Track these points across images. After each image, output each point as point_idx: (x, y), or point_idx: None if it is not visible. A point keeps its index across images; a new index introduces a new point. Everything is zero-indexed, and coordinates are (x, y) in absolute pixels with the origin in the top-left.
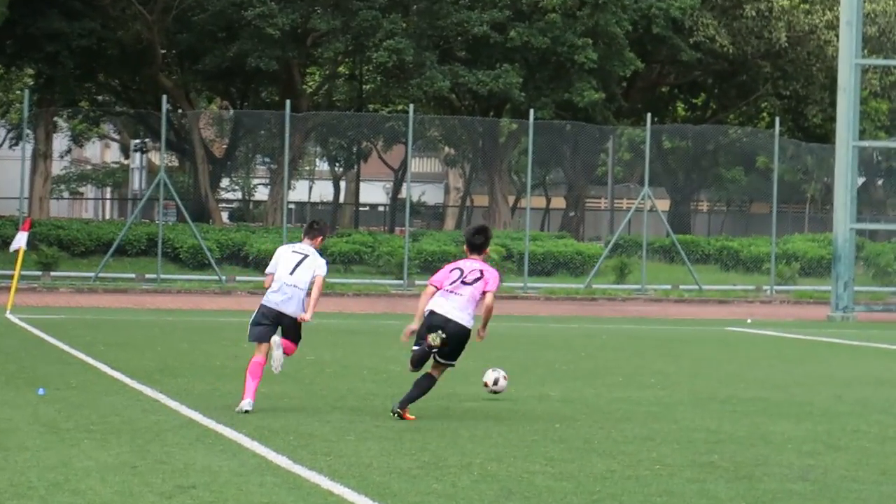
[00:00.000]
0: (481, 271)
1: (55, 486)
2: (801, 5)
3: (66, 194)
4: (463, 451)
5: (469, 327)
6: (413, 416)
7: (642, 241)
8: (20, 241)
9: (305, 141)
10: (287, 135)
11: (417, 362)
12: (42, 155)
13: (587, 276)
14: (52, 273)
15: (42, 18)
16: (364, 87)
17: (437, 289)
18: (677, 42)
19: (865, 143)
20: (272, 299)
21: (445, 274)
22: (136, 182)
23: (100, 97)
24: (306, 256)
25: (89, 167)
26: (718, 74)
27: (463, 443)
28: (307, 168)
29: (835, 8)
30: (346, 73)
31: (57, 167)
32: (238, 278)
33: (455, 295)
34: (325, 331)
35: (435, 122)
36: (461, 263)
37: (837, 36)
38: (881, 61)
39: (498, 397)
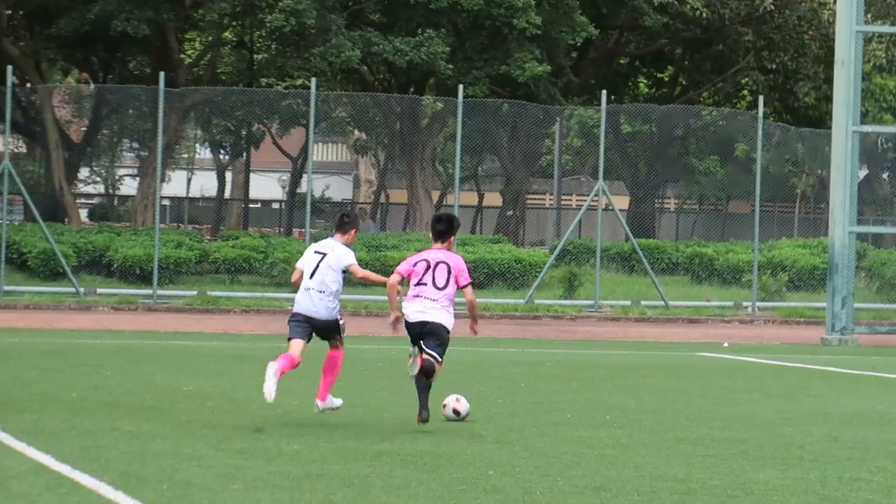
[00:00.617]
0: (447, 265)
1: None
2: None
3: None
4: None
5: (450, 326)
6: None
7: (595, 246)
8: None
9: (183, 122)
10: (161, 115)
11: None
12: None
13: (528, 290)
14: None
15: None
16: (256, 57)
17: (403, 277)
18: (639, 4)
19: (868, 129)
20: (300, 303)
21: (410, 266)
22: None
23: None
24: (324, 255)
25: None
26: (689, 43)
27: (375, 494)
28: (185, 156)
29: None
30: (234, 39)
31: None
32: (100, 291)
33: (429, 300)
34: (206, 356)
35: (342, 101)
36: (427, 255)
37: None
38: (888, 28)
39: (418, 434)
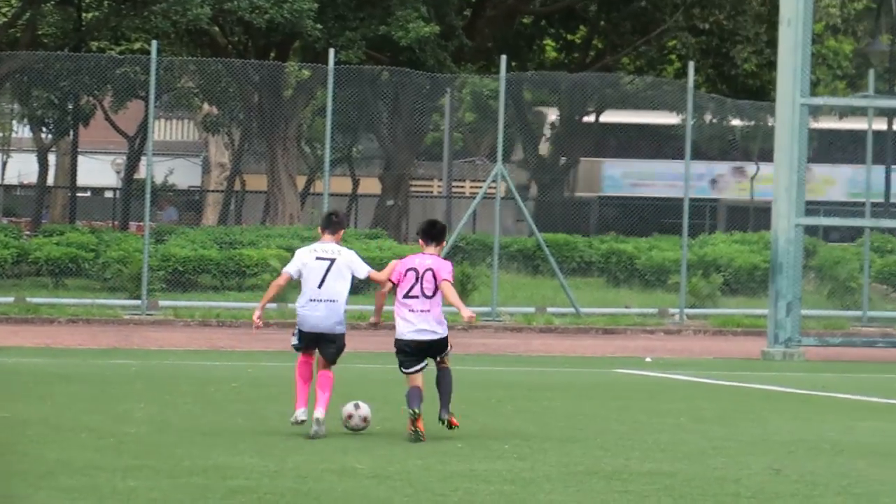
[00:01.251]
0: (433, 271)
1: None
2: None
3: None
4: None
5: (445, 334)
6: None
7: (493, 242)
8: None
9: None
10: None
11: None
12: None
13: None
14: None
15: None
16: (84, 15)
17: (394, 283)
18: None
19: (819, 101)
20: (305, 319)
21: (400, 275)
22: None
23: None
24: (333, 260)
25: None
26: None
27: None
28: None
29: None
30: None
31: None
32: None
33: (420, 313)
34: (25, 374)
35: (189, 68)
36: (413, 262)
37: None
38: None
39: (280, 469)
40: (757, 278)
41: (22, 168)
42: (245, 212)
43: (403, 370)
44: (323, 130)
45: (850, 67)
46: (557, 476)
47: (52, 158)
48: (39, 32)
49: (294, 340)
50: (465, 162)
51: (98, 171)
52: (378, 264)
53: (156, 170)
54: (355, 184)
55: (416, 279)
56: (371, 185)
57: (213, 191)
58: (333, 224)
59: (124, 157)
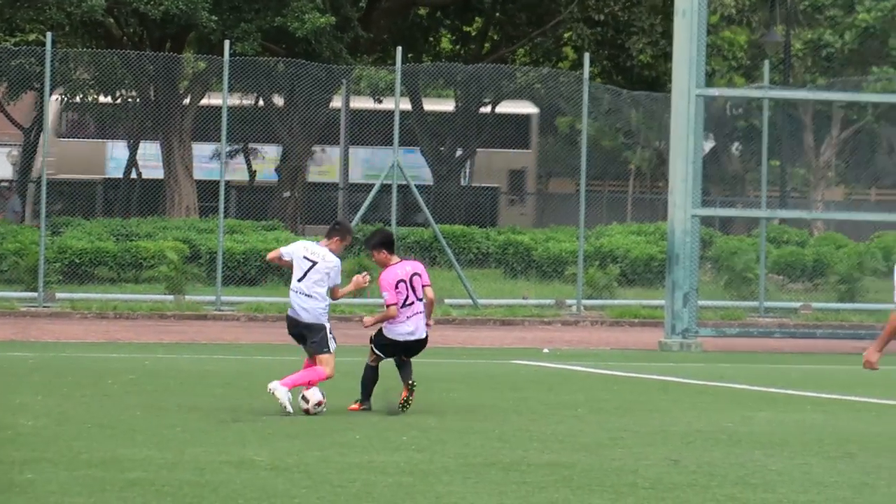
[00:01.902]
0: (419, 274)
1: None
2: None
3: None
4: None
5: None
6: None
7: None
8: None
9: None
10: None
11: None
12: None
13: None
14: None
15: None
16: None
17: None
18: None
19: (715, 92)
20: (291, 305)
21: (395, 294)
22: None
23: None
24: (314, 264)
25: None
26: None
27: None
28: None
29: None
30: None
31: None
32: None
33: (416, 315)
34: None
35: (84, 59)
36: (400, 273)
37: None
38: None
39: (178, 461)
40: (654, 269)
41: None
42: (141, 201)
43: (383, 355)
44: (219, 122)
45: (745, 58)
46: (456, 467)
47: None
48: None
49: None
50: None
51: None
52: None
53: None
54: (252, 175)
55: (408, 288)
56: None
57: (109, 182)
58: (331, 231)
59: (19, 149)
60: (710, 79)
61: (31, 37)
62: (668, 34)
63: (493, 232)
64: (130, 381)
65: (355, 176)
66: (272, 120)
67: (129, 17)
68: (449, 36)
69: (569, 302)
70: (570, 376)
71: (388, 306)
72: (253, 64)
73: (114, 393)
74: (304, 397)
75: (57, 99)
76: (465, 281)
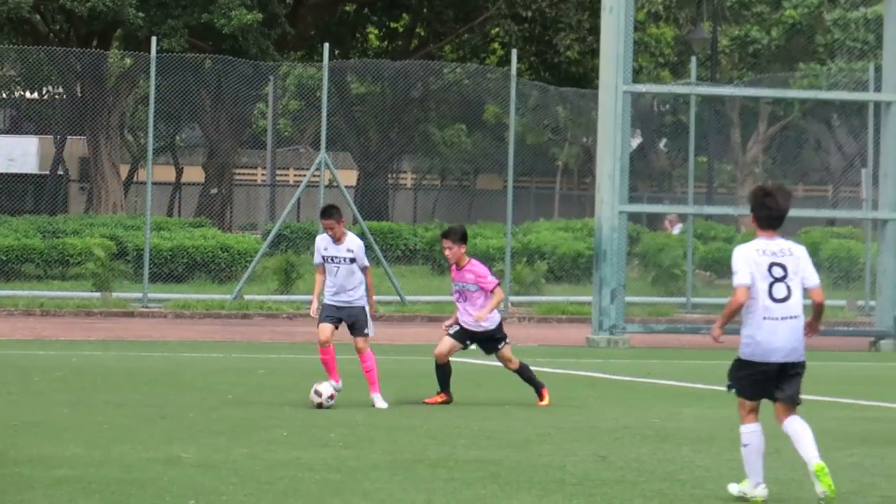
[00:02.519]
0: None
1: None
2: None
3: None
4: None
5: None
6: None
7: (317, 230)
8: None
9: None
10: None
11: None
12: None
13: (237, 283)
14: None
15: None
16: None
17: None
18: None
19: (642, 88)
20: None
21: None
22: None
23: None
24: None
25: None
26: None
27: None
28: None
29: None
30: None
31: None
32: None
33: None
34: None
35: (10, 56)
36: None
37: None
38: None
39: (105, 459)
40: (581, 265)
41: None
42: (71, 199)
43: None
44: (146, 119)
45: (672, 55)
46: (384, 464)
47: None
48: None
49: None
50: (288, 150)
51: None
52: (202, 254)
53: None
54: (179, 172)
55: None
56: (194, 174)
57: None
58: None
59: None
60: (637, 75)
61: None
62: (595, 30)
63: (421, 228)
64: (57, 379)
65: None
66: (200, 116)
67: (56, 14)
68: (376, 32)
69: None
70: (498, 373)
71: (495, 289)
72: (180, 60)
73: (41, 390)
74: (317, 391)
75: None
76: (392, 278)
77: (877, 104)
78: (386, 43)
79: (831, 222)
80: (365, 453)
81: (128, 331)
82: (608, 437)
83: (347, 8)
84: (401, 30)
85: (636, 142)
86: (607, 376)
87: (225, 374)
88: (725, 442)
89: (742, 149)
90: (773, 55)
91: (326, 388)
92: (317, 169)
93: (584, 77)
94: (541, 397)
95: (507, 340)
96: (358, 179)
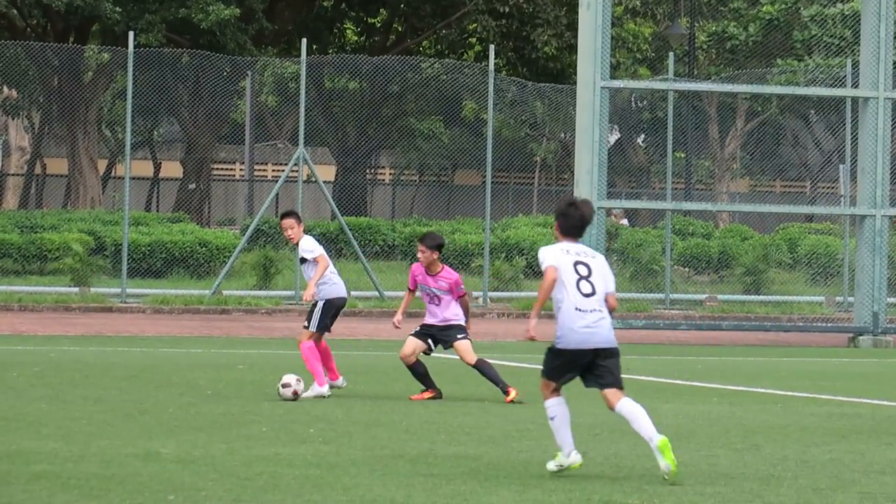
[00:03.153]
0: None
1: None
2: None
3: None
4: None
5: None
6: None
7: None
8: None
9: None
10: None
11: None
12: None
13: (215, 279)
14: None
15: None
16: None
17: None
18: None
19: (620, 84)
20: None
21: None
22: None
23: None
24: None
25: None
26: None
27: None
28: None
29: None
30: None
31: None
32: None
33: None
34: None
35: None
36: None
37: None
38: None
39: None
40: None
41: None
42: (46, 196)
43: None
44: (123, 114)
45: (650, 50)
46: (363, 460)
47: None
48: None
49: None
50: (266, 145)
51: None
52: (180, 249)
53: None
54: (157, 167)
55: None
56: (172, 169)
57: (12, 174)
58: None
59: None
60: (614, 71)
61: None
62: (572, 26)
63: (399, 224)
64: (35, 374)
65: None
66: (178, 111)
67: (33, 9)
68: (354, 28)
69: (475, 294)
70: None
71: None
72: (157, 55)
73: (18, 385)
74: (284, 384)
75: None
76: (370, 273)
77: (854, 100)
78: (363, 38)
79: (809, 218)
80: (344, 449)
81: (106, 326)
82: (587, 433)
83: (325, 3)
84: (378, 25)
85: (614, 138)
86: None
87: (204, 369)
88: (704, 438)
89: (720, 144)
90: (750, 51)
91: (289, 377)
92: (295, 164)
93: (561, 73)
94: (506, 394)
95: (468, 336)
96: (336, 175)
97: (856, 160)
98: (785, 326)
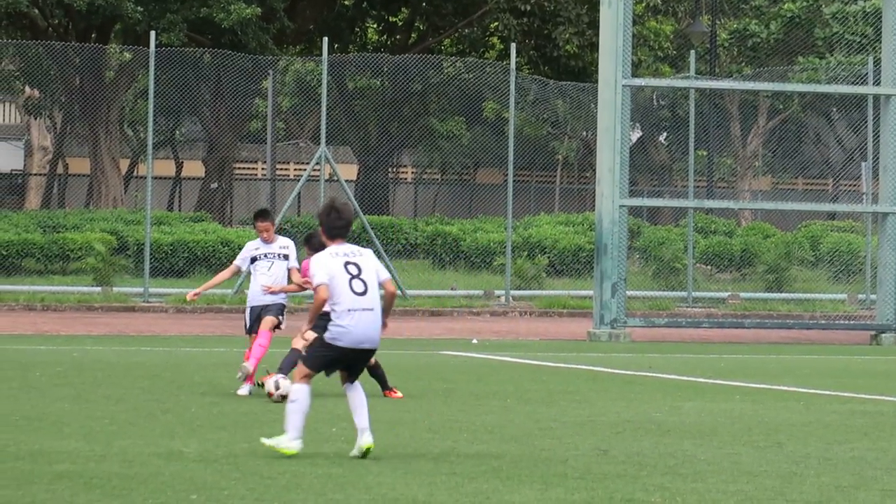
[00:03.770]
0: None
1: None
2: None
3: None
4: None
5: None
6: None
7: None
8: None
9: None
10: None
11: None
12: None
13: (238, 278)
14: None
15: None
16: None
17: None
18: None
19: (641, 82)
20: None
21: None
22: None
23: None
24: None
25: None
26: None
27: None
28: None
29: None
30: None
31: None
32: None
33: None
34: None
35: (9, 51)
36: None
37: None
38: None
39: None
40: (582, 259)
41: None
42: (68, 195)
43: None
44: (145, 113)
45: (671, 48)
46: (385, 458)
47: None
48: None
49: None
50: (288, 145)
51: None
52: (202, 248)
53: None
54: (179, 167)
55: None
56: (194, 168)
57: (35, 174)
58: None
59: None
60: (636, 69)
61: None
62: (594, 24)
63: (421, 223)
64: (58, 374)
65: None
66: (199, 111)
67: (54, 8)
68: (375, 27)
69: (497, 292)
70: (499, 367)
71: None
72: (179, 55)
73: (41, 385)
74: (275, 385)
75: None
76: (393, 272)
77: (876, 97)
78: (385, 37)
79: (832, 216)
80: None
81: (129, 325)
82: (610, 431)
83: (346, 2)
84: (400, 24)
85: (636, 136)
86: (608, 370)
87: (226, 368)
88: (726, 436)
89: (742, 142)
90: (772, 49)
91: (270, 382)
92: (317, 163)
93: (583, 71)
94: (389, 391)
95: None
96: (358, 174)
97: (878, 158)
98: (807, 324)
